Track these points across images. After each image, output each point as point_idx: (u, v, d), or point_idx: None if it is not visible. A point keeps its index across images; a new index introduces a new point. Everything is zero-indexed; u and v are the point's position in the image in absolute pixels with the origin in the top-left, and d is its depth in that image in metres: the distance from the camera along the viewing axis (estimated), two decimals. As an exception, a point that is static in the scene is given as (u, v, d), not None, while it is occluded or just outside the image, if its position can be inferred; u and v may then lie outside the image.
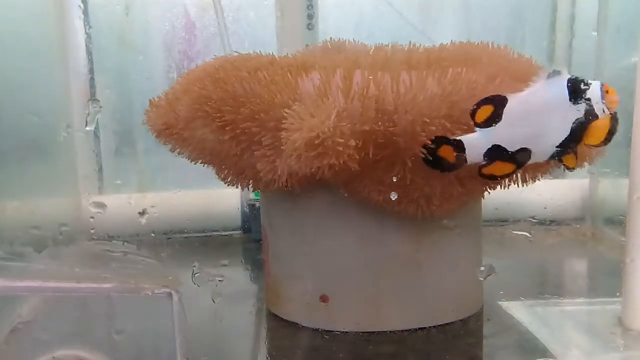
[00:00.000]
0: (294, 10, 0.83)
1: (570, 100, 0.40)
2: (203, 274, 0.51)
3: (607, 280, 0.65)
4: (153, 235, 0.65)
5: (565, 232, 0.82)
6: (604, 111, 0.41)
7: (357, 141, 0.44)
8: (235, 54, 0.58)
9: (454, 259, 0.54)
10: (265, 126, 0.49)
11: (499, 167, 0.43)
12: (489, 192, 0.53)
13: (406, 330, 0.53)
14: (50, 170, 0.74)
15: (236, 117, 0.50)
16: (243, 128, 0.49)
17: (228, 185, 0.55)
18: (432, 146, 0.43)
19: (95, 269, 0.42)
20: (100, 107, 0.61)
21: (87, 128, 0.71)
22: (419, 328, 0.53)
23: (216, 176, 0.56)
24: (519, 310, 0.56)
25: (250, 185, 0.54)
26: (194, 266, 0.50)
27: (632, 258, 0.50)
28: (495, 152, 0.42)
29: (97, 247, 0.48)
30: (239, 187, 0.55)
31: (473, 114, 0.42)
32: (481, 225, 0.58)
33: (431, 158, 0.44)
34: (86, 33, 0.85)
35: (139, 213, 0.56)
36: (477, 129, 0.42)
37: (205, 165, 0.55)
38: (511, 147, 0.42)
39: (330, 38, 0.68)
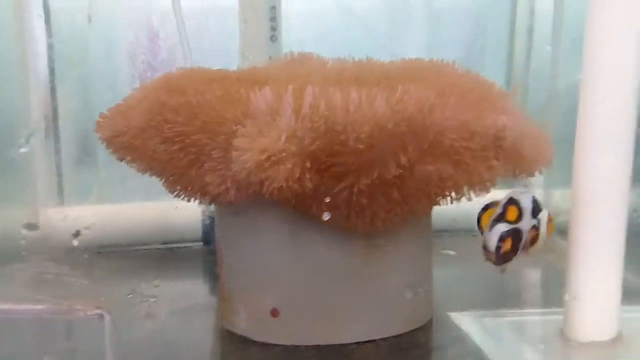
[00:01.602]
0: (257, 21, 0.83)
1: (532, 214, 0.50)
2: (162, 287, 0.50)
3: (555, 290, 0.66)
4: (99, 252, 0.64)
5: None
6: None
7: (306, 162, 0.44)
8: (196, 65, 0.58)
9: (402, 271, 0.55)
10: (215, 139, 0.49)
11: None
12: (433, 208, 0.54)
13: (355, 343, 0.53)
14: (7, 183, 0.73)
15: (187, 129, 0.50)
16: (194, 140, 0.49)
17: (175, 197, 0.55)
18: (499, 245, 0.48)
19: (29, 290, 0.42)
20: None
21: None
22: (368, 341, 0.54)
23: (164, 188, 0.56)
24: (467, 322, 0.57)
25: (198, 198, 0.54)
26: (130, 293, 0.49)
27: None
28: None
29: (30, 269, 0.48)
30: (187, 199, 0.55)
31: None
32: (432, 236, 0.59)
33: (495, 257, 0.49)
34: (47, 42, 0.85)
35: (73, 235, 0.55)
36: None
37: (155, 176, 0.55)
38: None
39: (291, 52, 0.69)
